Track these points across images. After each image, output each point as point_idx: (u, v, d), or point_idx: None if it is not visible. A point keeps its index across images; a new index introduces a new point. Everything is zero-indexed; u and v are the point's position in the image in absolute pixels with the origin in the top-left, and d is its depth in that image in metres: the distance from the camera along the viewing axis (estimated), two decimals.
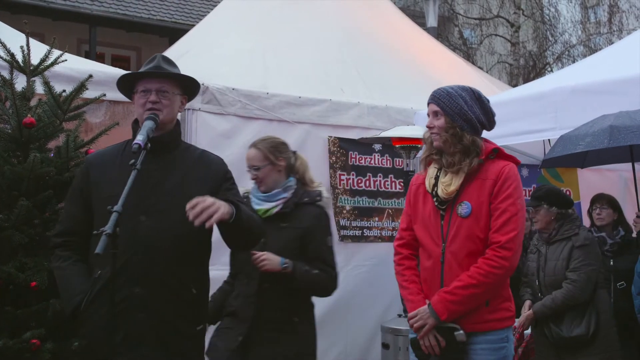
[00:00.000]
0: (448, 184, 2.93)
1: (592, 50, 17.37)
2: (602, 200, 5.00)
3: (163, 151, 2.78)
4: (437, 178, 3.00)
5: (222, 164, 2.91)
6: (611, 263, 4.81)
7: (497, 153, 3.00)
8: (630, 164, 5.14)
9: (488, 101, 3.11)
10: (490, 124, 3.11)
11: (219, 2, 8.34)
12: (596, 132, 4.08)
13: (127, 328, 2.59)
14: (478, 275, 2.83)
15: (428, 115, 3.07)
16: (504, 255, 2.84)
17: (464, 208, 2.91)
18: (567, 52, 19.19)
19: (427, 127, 3.03)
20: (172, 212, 2.67)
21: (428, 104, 3.07)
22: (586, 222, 5.43)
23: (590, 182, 6.71)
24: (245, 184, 3.50)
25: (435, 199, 2.99)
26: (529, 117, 4.94)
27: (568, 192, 6.88)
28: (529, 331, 4.58)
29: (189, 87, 2.91)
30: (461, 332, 2.86)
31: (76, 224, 2.72)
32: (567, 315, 4.25)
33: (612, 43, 13.32)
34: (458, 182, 2.92)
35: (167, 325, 2.63)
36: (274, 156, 3.51)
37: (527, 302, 4.52)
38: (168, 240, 2.66)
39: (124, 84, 2.88)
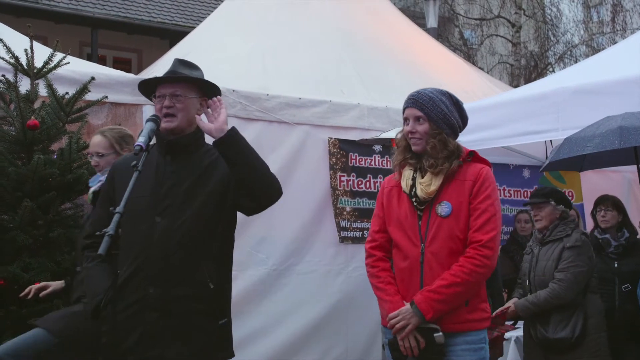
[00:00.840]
0: (428, 184, 2.94)
1: (595, 50, 17.34)
2: (607, 202, 4.94)
3: (182, 153, 2.82)
4: (414, 179, 3.00)
5: None
6: (615, 265, 4.75)
7: (473, 156, 3.03)
8: (634, 166, 5.09)
9: (462, 103, 3.14)
10: (464, 127, 3.14)
11: (219, 5, 8.37)
12: (604, 134, 3.99)
13: (142, 328, 2.64)
14: (462, 273, 2.83)
15: (406, 119, 3.05)
16: (486, 254, 2.85)
17: (444, 208, 2.92)
18: (569, 52, 19.18)
19: (409, 132, 3.00)
20: (187, 213, 2.72)
21: (407, 107, 3.06)
22: (589, 223, 5.41)
23: (593, 183, 6.70)
24: None
25: (414, 200, 2.99)
26: (530, 118, 4.93)
27: (570, 194, 6.87)
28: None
29: (209, 89, 2.92)
30: (440, 333, 2.85)
31: (103, 226, 2.67)
32: (554, 317, 4.21)
33: (616, 43, 13.31)
34: (438, 182, 2.93)
35: (185, 323, 2.67)
36: (120, 146, 3.50)
37: (513, 299, 4.49)
38: (182, 240, 2.70)
39: (145, 89, 2.92)
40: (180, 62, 2.90)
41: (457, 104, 3.08)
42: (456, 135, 3.05)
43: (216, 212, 2.78)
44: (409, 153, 3.04)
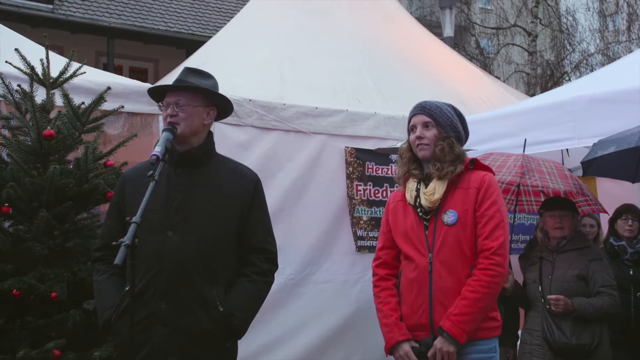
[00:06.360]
0: (432, 193, 2.96)
1: (611, 59, 17.29)
2: (633, 212, 4.96)
3: (193, 165, 2.79)
4: (417, 190, 3.03)
5: (252, 180, 2.90)
6: (631, 273, 4.72)
7: (475, 164, 3.06)
8: None
9: (465, 118, 3.19)
10: (466, 139, 3.18)
11: (235, 14, 8.39)
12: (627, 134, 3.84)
13: (152, 342, 2.62)
14: (480, 287, 2.83)
15: (414, 126, 3.08)
16: (498, 262, 2.86)
17: (449, 216, 2.93)
18: (585, 61, 19.11)
19: (417, 137, 3.04)
20: (199, 228, 2.70)
21: (414, 115, 3.10)
22: (606, 231, 5.37)
23: (610, 191, 6.62)
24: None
25: (419, 210, 3.00)
26: (546, 127, 4.90)
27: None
28: None
29: (217, 99, 2.90)
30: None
31: (113, 238, 2.63)
32: (573, 322, 4.07)
33: (632, 51, 13.19)
34: (441, 190, 2.95)
35: (192, 341, 2.65)
36: None
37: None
38: (194, 256, 2.67)
39: (156, 96, 2.92)
40: (189, 71, 2.89)
41: (460, 117, 3.14)
42: (461, 144, 3.09)
43: (228, 235, 2.76)
44: (413, 164, 3.08)
